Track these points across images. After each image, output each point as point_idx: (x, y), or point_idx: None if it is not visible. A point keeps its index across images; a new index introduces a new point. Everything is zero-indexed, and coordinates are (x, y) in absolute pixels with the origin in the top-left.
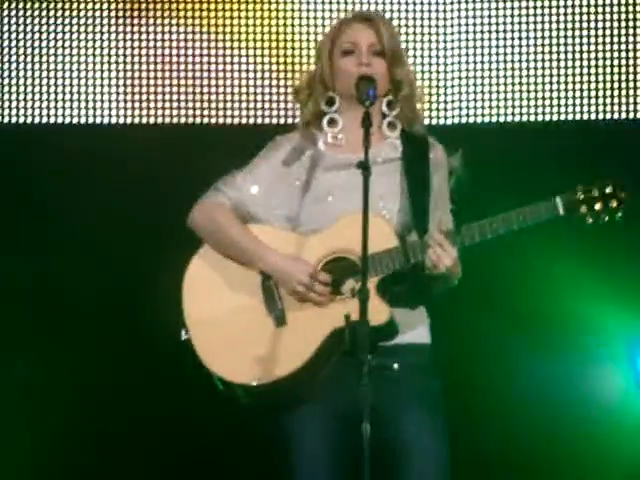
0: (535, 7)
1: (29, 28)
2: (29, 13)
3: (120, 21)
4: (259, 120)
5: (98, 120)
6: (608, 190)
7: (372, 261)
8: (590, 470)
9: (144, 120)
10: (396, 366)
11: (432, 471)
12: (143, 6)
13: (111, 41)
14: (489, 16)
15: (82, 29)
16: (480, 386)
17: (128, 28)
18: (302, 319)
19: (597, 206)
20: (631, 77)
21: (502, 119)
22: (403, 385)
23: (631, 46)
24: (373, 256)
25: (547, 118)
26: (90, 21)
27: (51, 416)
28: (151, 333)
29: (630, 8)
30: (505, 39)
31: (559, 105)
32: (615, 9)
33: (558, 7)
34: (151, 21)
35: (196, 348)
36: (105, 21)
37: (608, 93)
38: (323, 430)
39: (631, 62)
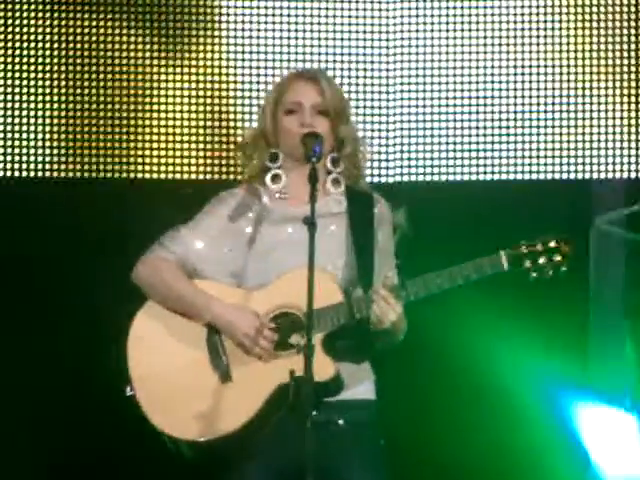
0: (477, 68)
1: None
2: None
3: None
4: (200, 176)
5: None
6: (552, 244)
7: (317, 316)
8: None
9: (70, 174)
10: (341, 422)
11: None
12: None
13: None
14: (439, 75)
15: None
16: (423, 442)
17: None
18: (247, 375)
19: (541, 260)
20: (572, 138)
21: (446, 178)
22: (347, 441)
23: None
24: (318, 311)
25: (488, 177)
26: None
27: None
28: (95, 388)
29: (578, 69)
30: (447, 98)
31: (500, 165)
32: (560, 77)
33: (497, 72)
34: (78, 68)
35: (141, 404)
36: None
37: (549, 154)
38: None
39: (562, 125)
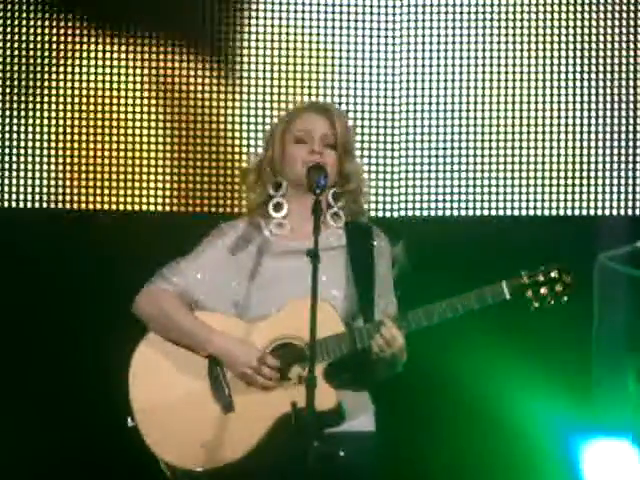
0: (482, 104)
1: None
2: None
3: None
4: (204, 208)
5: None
6: (553, 274)
7: (319, 347)
8: None
9: (60, 205)
10: (342, 453)
11: None
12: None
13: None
14: (444, 110)
15: None
16: (423, 472)
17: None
18: (249, 405)
19: (543, 290)
20: (576, 174)
21: (450, 213)
22: (348, 473)
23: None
24: (320, 342)
25: (493, 213)
26: None
27: None
28: (98, 420)
29: (584, 105)
30: (445, 133)
31: (504, 201)
32: (564, 112)
33: (499, 108)
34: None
35: (143, 435)
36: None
37: (547, 190)
38: None
39: (562, 161)
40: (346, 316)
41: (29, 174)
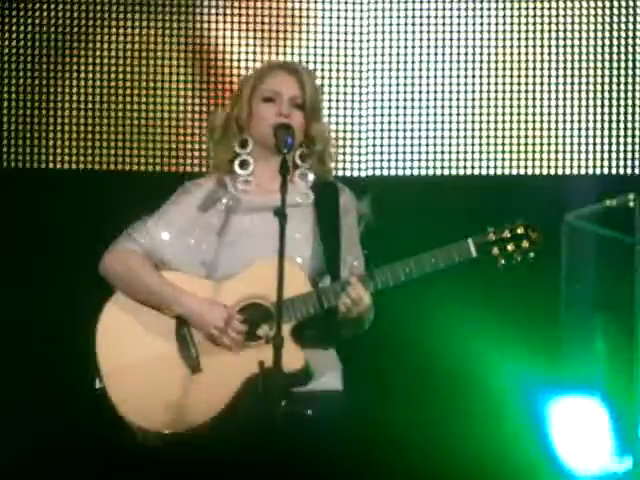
0: (451, 61)
1: None
2: None
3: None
4: (163, 168)
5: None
6: (519, 231)
7: (286, 307)
8: None
9: (43, 165)
10: (309, 412)
11: None
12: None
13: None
14: (412, 68)
15: None
16: (388, 434)
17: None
18: (217, 366)
19: (509, 247)
20: (544, 133)
21: (418, 172)
22: (316, 432)
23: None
24: (287, 302)
25: (461, 172)
26: None
27: None
28: (67, 381)
29: (552, 65)
30: (420, 92)
31: (472, 160)
32: (535, 71)
33: (472, 65)
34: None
35: (111, 397)
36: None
37: (515, 149)
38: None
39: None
40: (313, 274)
41: (58, 135)
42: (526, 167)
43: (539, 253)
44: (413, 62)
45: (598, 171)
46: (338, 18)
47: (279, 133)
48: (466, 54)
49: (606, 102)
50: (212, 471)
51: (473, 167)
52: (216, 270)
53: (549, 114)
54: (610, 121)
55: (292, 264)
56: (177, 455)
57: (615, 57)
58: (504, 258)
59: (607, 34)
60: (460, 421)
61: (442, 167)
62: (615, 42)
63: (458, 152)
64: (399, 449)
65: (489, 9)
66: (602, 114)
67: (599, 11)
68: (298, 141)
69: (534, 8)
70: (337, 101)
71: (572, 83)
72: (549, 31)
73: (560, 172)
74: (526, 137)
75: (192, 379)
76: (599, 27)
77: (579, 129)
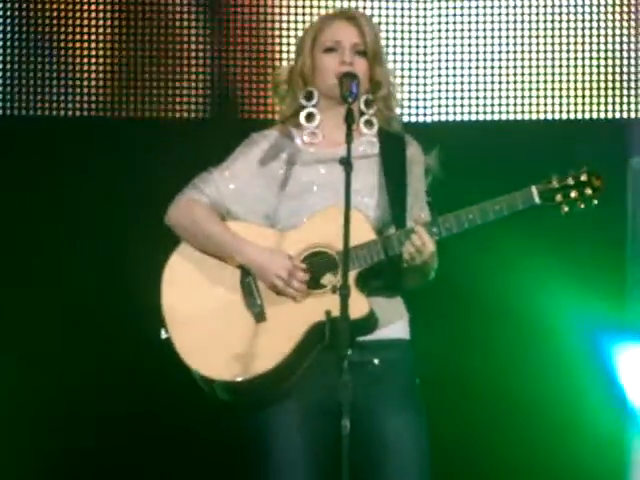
0: (509, 10)
1: None
2: None
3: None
4: (238, 115)
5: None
6: (583, 178)
7: (351, 255)
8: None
9: (108, 114)
10: (376, 361)
11: (412, 470)
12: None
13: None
14: (469, 15)
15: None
16: (456, 382)
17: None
18: (282, 314)
19: (572, 194)
20: (609, 78)
21: (483, 117)
22: (383, 382)
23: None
24: (352, 250)
25: (526, 117)
26: None
27: (35, 417)
28: (132, 331)
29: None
30: (485, 37)
31: (537, 104)
32: (591, 16)
33: (529, 12)
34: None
35: (176, 346)
36: None
37: (580, 93)
38: (302, 426)
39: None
40: (378, 224)
41: (72, 82)
42: (591, 111)
43: (604, 199)
44: (477, 4)
45: None
46: None
47: (344, 82)
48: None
49: None
50: (274, 420)
51: (538, 112)
52: (279, 222)
53: (614, 58)
54: None
55: (357, 212)
56: (243, 404)
57: None
58: (567, 205)
59: None
60: (526, 367)
61: (507, 112)
62: None
63: (523, 97)
64: (467, 397)
65: None
66: None
67: None
68: (363, 88)
69: None
70: (402, 47)
71: (630, 27)
72: None
73: (625, 116)
74: (590, 81)
75: (257, 327)
76: None
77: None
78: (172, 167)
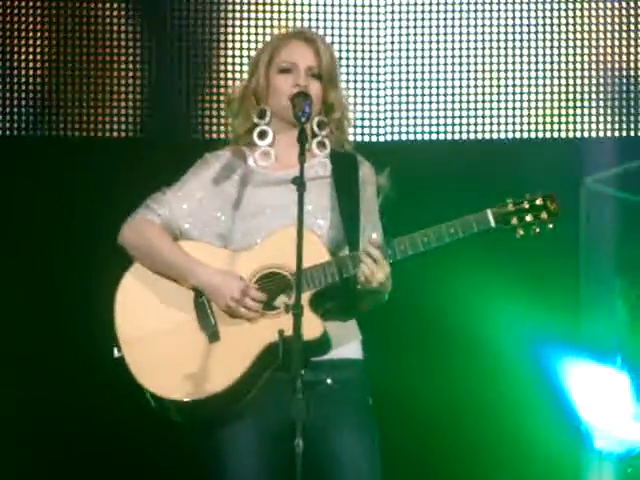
0: (468, 27)
1: None
2: None
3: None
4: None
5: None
6: (538, 202)
7: (305, 276)
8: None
9: (68, 133)
10: (329, 381)
11: None
12: None
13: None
14: (422, 34)
15: None
16: (410, 399)
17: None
18: (235, 335)
19: (528, 218)
20: (562, 97)
21: (436, 137)
22: (337, 401)
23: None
24: (306, 271)
25: (479, 136)
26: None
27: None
28: (84, 350)
29: (569, 27)
30: (438, 57)
31: (490, 124)
32: (551, 35)
33: (488, 30)
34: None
35: (129, 365)
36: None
37: (534, 112)
38: (255, 446)
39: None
40: (332, 245)
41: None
42: (544, 131)
43: (558, 220)
44: (430, 24)
45: (617, 133)
46: None
47: (297, 101)
48: (483, 15)
49: (631, 64)
50: (227, 440)
51: (492, 131)
52: (232, 243)
53: (567, 77)
54: (629, 84)
55: (310, 233)
56: (195, 424)
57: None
58: (522, 228)
59: None
60: (478, 383)
61: (461, 131)
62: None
63: (476, 116)
64: (420, 416)
65: None
66: (622, 77)
67: None
68: (316, 110)
69: None
70: (355, 66)
71: (590, 46)
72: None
73: (579, 135)
74: (544, 101)
75: (210, 348)
76: None
77: (597, 92)
78: (121, 186)
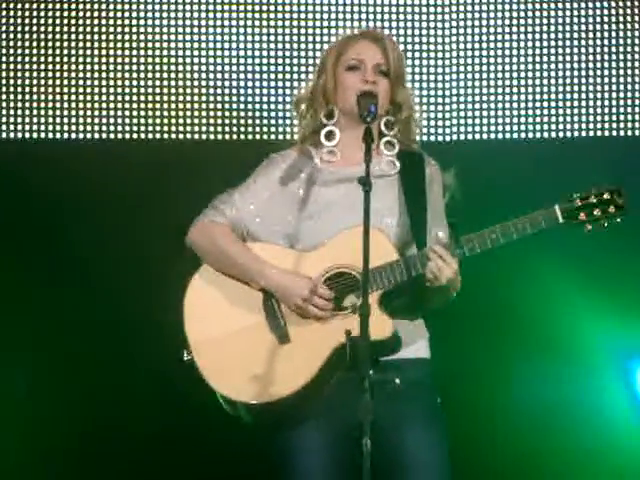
0: (531, 25)
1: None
2: None
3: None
4: (255, 136)
5: (81, 135)
6: (606, 196)
7: (373, 275)
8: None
9: (134, 136)
10: (397, 381)
11: None
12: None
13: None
14: (487, 33)
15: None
16: (477, 400)
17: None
18: (305, 336)
19: (596, 212)
20: (621, 95)
21: (502, 136)
22: (404, 400)
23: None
24: (374, 270)
25: (545, 135)
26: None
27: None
28: (154, 353)
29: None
30: (504, 56)
31: (557, 123)
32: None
33: (554, 24)
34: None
35: (199, 368)
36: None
37: (599, 111)
38: (324, 446)
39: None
40: (399, 244)
41: (81, 105)
42: (611, 129)
43: (628, 216)
44: (496, 23)
45: None
46: None
47: (363, 101)
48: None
49: None
50: (297, 441)
51: (558, 130)
52: (299, 242)
53: (633, 75)
54: None
55: (378, 232)
56: (265, 425)
57: None
58: (591, 223)
59: None
60: (551, 388)
61: (526, 130)
62: None
63: (542, 115)
64: (489, 416)
65: None
66: None
67: None
68: (383, 109)
69: None
70: (421, 66)
71: None
72: None
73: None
74: (610, 98)
75: (280, 350)
76: None
77: None
78: (190, 188)
